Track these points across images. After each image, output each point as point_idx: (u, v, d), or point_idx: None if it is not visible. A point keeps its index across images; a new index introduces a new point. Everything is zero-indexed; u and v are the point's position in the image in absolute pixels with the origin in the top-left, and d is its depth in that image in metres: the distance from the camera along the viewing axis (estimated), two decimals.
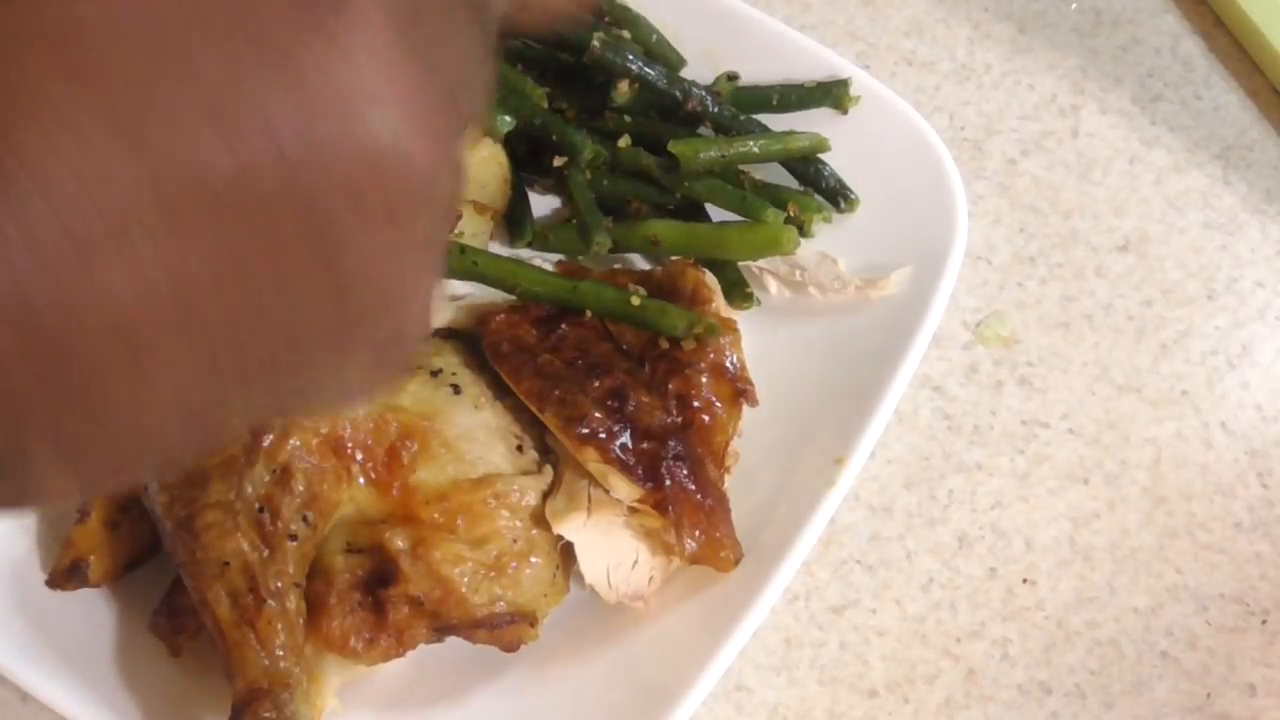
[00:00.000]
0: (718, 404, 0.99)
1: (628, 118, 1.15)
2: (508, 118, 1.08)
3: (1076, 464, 1.13)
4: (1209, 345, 1.19)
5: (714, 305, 1.03)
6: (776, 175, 1.15)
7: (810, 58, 1.17)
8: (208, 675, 0.92)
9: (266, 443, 0.86)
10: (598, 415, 0.93)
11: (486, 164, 1.11)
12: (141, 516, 0.94)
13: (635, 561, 0.95)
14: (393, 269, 0.36)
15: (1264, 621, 1.07)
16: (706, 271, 1.06)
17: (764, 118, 1.16)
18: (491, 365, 0.99)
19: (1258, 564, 1.09)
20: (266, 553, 0.86)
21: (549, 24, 0.92)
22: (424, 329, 0.41)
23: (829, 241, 1.12)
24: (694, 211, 1.14)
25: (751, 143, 1.12)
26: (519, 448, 0.95)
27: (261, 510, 0.86)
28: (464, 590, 0.88)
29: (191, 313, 0.31)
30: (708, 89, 1.15)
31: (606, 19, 1.20)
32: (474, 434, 0.93)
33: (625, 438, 0.94)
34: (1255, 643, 1.06)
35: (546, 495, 0.94)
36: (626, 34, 1.18)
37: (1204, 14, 1.39)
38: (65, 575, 0.92)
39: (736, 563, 0.95)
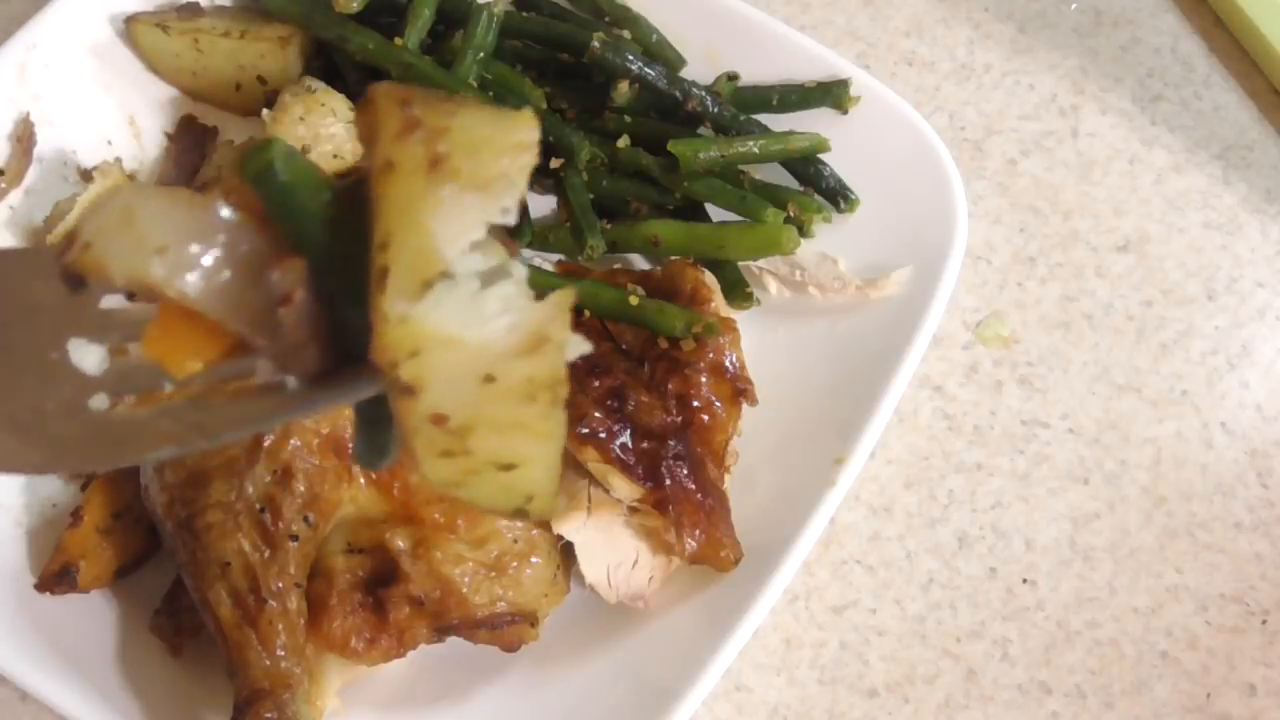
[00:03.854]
0: (717, 404, 0.99)
1: (628, 118, 1.15)
2: None
3: (1076, 464, 1.13)
4: (1209, 345, 1.19)
5: (713, 305, 1.03)
6: (776, 175, 1.15)
7: (810, 58, 1.17)
8: (209, 675, 0.92)
9: (268, 443, 0.87)
10: (598, 415, 0.93)
11: None
12: (135, 523, 0.94)
13: (635, 561, 0.95)
14: None
15: (1264, 621, 1.07)
16: (706, 271, 1.06)
17: (764, 118, 1.16)
18: None
19: (1258, 564, 1.09)
20: (268, 553, 0.86)
21: None
22: None
23: (829, 241, 1.12)
24: (694, 211, 1.14)
25: (751, 143, 1.12)
26: None
27: (263, 510, 0.86)
28: (465, 590, 0.88)
29: None
30: (708, 89, 1.15)
31: (606, 19, 1.20)
32: None
33: (625, 437, 0.94)
34: (1255, 643, 1.06)
35: None
36: (626, 34, 1.18)
37: (1204, 14, 1.39)
38: (54, 579, 0.92)
39: (736, 562, 0.95)
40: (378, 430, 0.63)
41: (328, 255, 0.58)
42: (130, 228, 0.56)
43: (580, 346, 0.56)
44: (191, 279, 0.56)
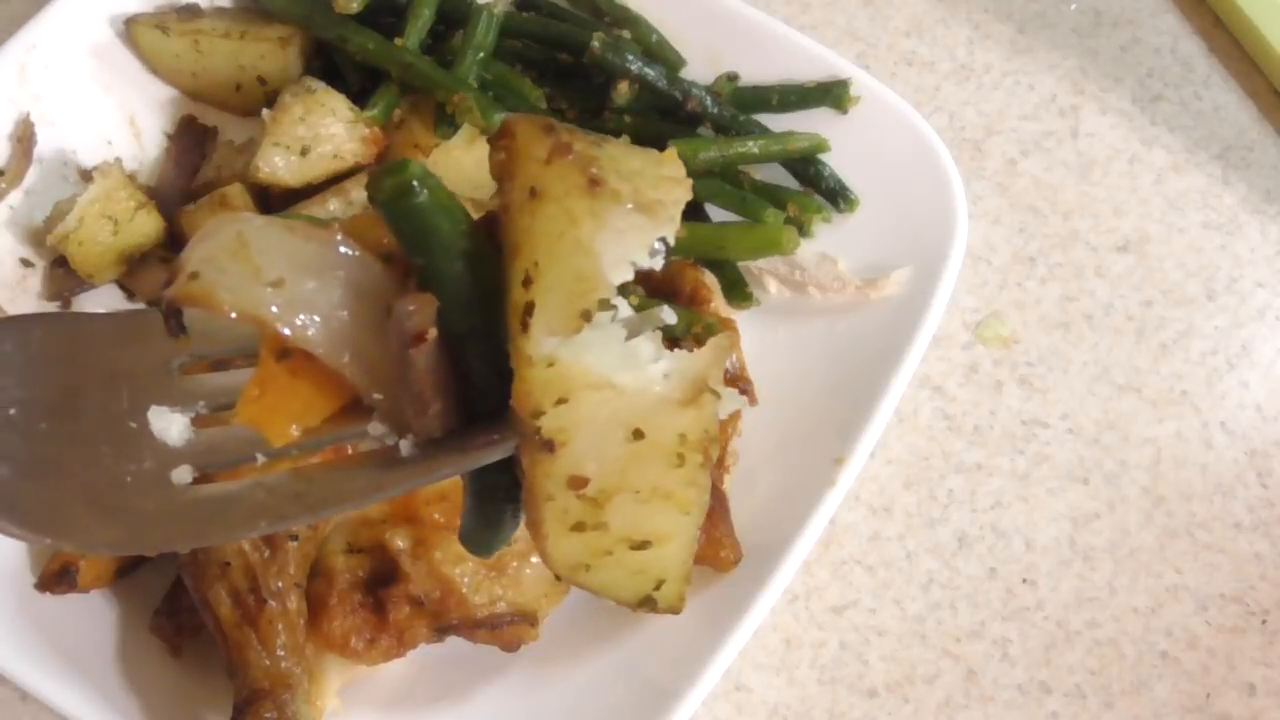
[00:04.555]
0: None
1: (628, 118, 1.15)
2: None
3: (1076, 464, 1.13)
4: (1209, 345, 1.19)
5: (713, 305, 1.03)
6: (776, 175, 1.15)
7: (810, 58, 1.17)
8: (209, 675, 0.92)
9: None
10: None
11: (482, 164, 1.10)
12: None
13: None
14: None
15: (1264, 621, 1.07)
16: (706, 271, 1.06)
17: (764, 118, 1.16)
18: None
19: (1258, 564, 1.09)
20: (268, 553, 0.86)
21: None
22: None
23: (829, 241, 1.12)
24: (694, 211, 1.15)
25: (751, 143, 1.12)
26: None
27: None
28: (465, 590, 0.88)
29: None
30: (708, 89, 1.15)
31: (606, 19, 1.20)
32: None
33: None
34: (1255, 643, 1.06)
35: None
36: (626, 34, 1.18)
37: (1204, 14, 1.39)
38: (54, 579, 0.92)
39: (736, 563, 0.95)
40: (492, 504, 0.56)
41: (461, 295, 0.50)
42: (243, 258, 0.50)
43: (735, 401, 0.51)
44: (308, 317, 0.49)
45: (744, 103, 1.17)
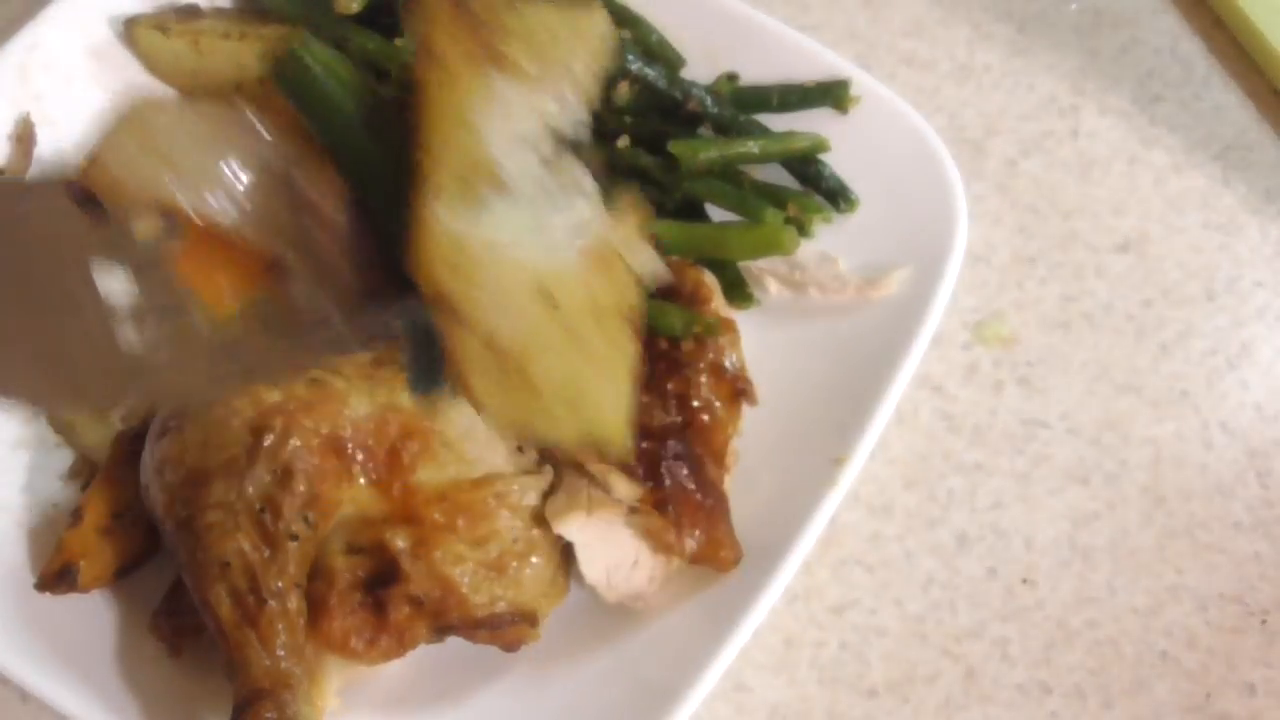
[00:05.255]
0: (717, 404, 0.99)
1: (628, 118, 1.15)
2: None
3: (1076, 464, 1.13)
4: (1209, 345, 1.19)
5: (713, 305, 1.03)
6: (776, 175, 1.15)
7: (810, 58, 1.17)
8: (208, 675, 0.92)
9: (268, 442, 0.86)
10: None
11: None
12: (135, 523, 0.94)
13: (635, 561, 0.95)
14: None
15: (1264, 621, 1.07)
16: (706, 271, 1.06)
17: (764, 118, 1.16)
18: None
19: (1257, 564, 1.09)
20: (268, 553, 0.86)
21: None
22: None
23: (829, 241, 1.12)
24: (694, 211, 1.14)
25: (751, 143, 1.12)
26: (519, 447, 0.95)
27: (262, 510, 0.86)
28: (465, 590, 0.88)
29: None
30: (708, 89, 1.15)
31: None
32: (474, 434, 0.93)
33: None
34: (1255, 643, 1.06)
35: (547, 495, 0.94)
36: (627, 34, 1.18)
37: (1204, 14, 1.39)
38: (54, 579, 0.92)
39: (736, 562, 0.95)
40: (426, 349, 0.58)
41: (368, 163, 0.51)
42: (148, 143, 0.50)
43: (653, 264, 0.52)
44: (217, 198, 0.50)
45: (744, 103, 1.17)
